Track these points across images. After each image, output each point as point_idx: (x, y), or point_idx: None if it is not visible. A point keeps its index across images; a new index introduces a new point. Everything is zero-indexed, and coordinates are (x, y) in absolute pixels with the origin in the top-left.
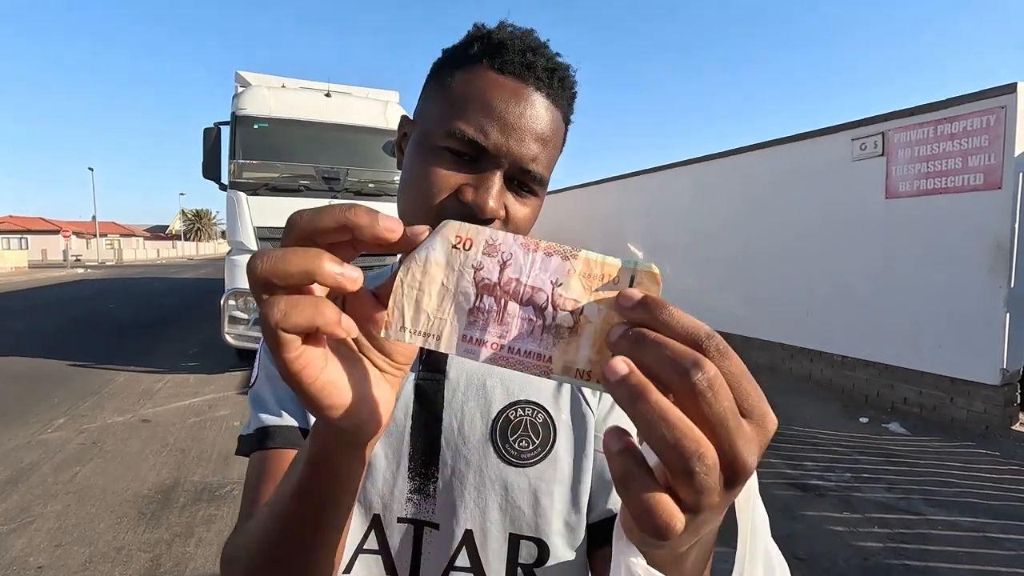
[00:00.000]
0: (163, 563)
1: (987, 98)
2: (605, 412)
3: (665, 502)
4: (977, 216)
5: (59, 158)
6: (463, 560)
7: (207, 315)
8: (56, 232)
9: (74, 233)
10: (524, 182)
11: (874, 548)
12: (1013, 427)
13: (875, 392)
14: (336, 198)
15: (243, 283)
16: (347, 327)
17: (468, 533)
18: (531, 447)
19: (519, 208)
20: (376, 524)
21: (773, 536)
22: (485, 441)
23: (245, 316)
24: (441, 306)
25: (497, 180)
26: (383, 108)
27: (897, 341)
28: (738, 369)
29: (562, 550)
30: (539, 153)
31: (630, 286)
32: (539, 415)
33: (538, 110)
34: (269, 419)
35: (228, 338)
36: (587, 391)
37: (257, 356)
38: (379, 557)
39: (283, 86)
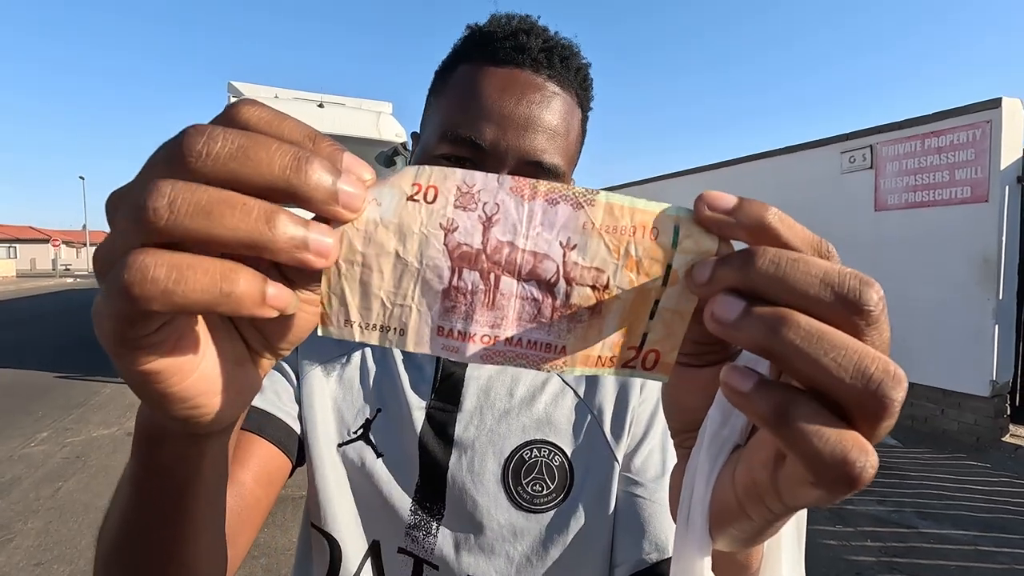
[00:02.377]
0: None
1: (973, 112)
2: (632, 447)
3: (857, 438)
4: (964, 229)
5: (49, 167)
6: None
7: None
8: (46, 241)
9: (64, 242)
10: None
11: (867, 563)
12: (1003, 439)
13: None
14: None
15: None
16: (279, 301)
17: None
18: (545, 492)
19: None
20: (375, 551)
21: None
22: (496, 483)
23: None
24: (400, 287)
25: None
26: (376, 119)
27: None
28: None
29: None
30: (547, 143)
31: (674, 245)
32: (556, 457)
33: (540, 94)
34: (273, 409)
35: None
36: (606, 424)
37: None
38: None
39: (276, 97)
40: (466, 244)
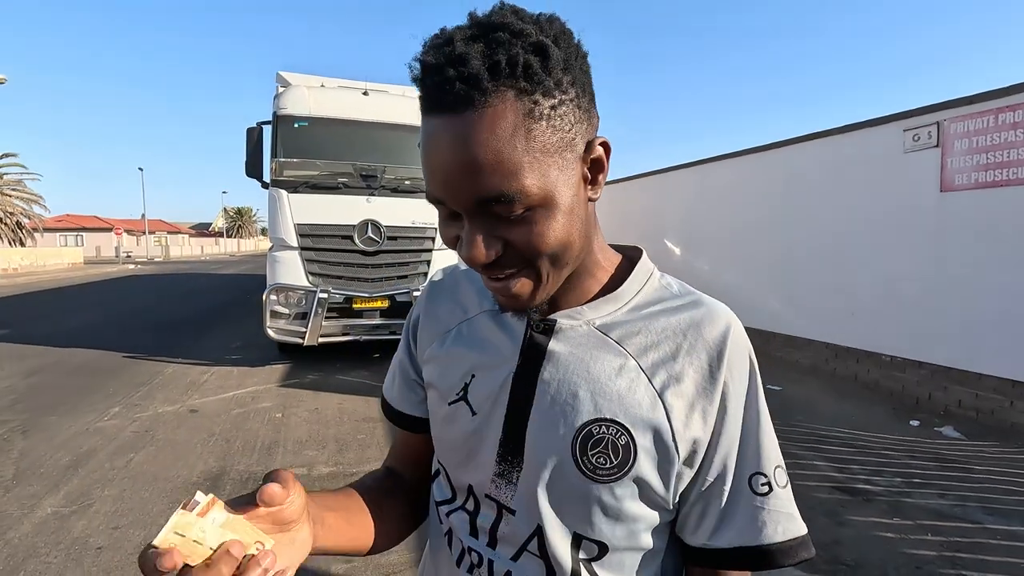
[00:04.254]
0: None
1: None
2: (687, 452)
3: None
4: None
5: (111, 159)
6: (534, 547)
7: (249, 310)
8: (109, 230)
9: (125, 231)
10: (499, 212)
11: (927, 556)
12: None
13: (927, 395)
14: (373, 195)
15: (284, 279)
16: None
17: (539, 528)
18: (608, 465)
19: (519, 233)
20: (472, 492)
21: (818, 540)
22: (565, 448)
23: (286, 311)
24: None
25: (471, 227)
26: (418, 106)
27: (951, 342)
28: None
29: (624, 553)
30: (483, 179)
31: None
32: (622, 436)
33: (451, 137)
34: (393, 402)
35: (270, 332)
36: (675, 418)
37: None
38: (469, 518)
39: (322, 85)
40: None
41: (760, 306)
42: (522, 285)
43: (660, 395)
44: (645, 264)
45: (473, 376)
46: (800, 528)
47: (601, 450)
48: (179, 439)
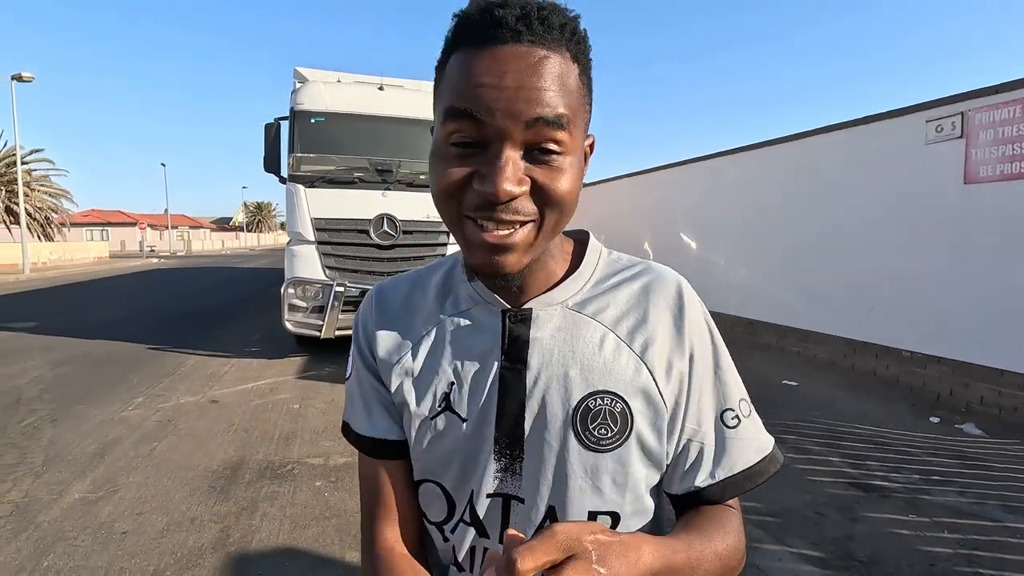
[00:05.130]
0: (232, 534)
1: None
2: (672, 405)
3: None
4: None
5: (135, 155)
6: None
7: (267, 303)
8: (133, 224)
9: (149, 225)
10: (540, 142)
11: (943, 554)
12: None
13: (947, 391)
14: (389, 189)
15: (302, 272)
16: None
17: (551, 508)
18: (610, 434)
19: (547, 175)
20: (471, 498)
21: (831, 536)
22: (566, 428)
23: (304, 304)
24: None
25: (507, 153)
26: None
27: (973, 337)
28: None
29: (631, 519)
30: (544, 98)
31: None
32: (617, 404)
33: (523, 62)
34: (374, 432)
35: (288, 325)
36: (659, 375)
37: (350, 354)
38: (473, 525)
39: (338, 81)
40: None
41: (777, 301)
42: (524, 236)
43: (641, 357)
44: (594, 243)
45: (452, 384)
46: (766, 446)
47: (601, 421)
48: (200, 429)
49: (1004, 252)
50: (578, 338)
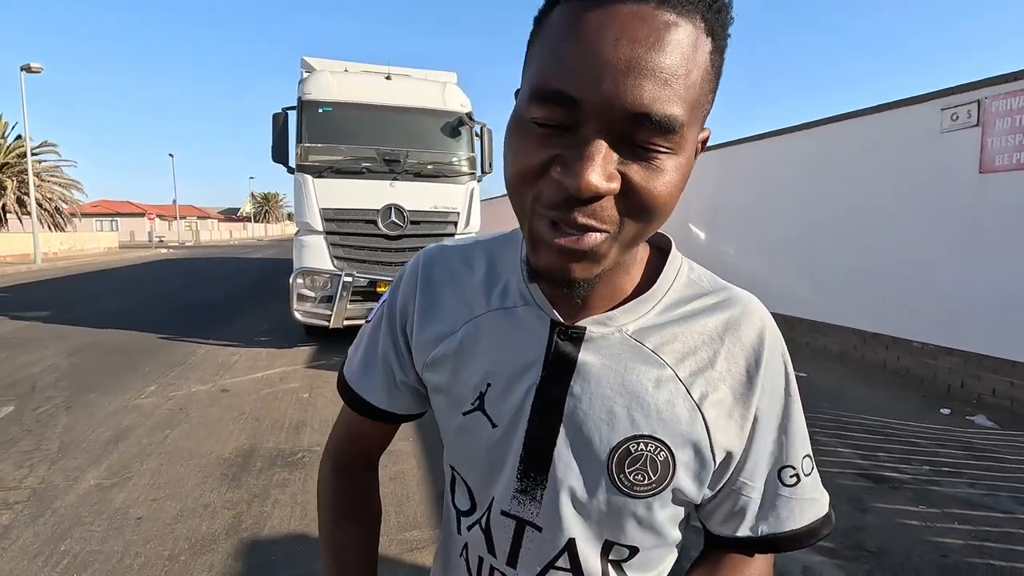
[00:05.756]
0: (244, 520)
1: None
2: (722, 458)
3: None
4: None
5: (143, 146)
6: (564, 562)
7: (276, 293)
8: (142, 215)
9: (157, 216)
10: (645, 139)
11: (954, 545)
12: None
13: (959, 382)
14: (397, 179)
15: (310, 262)
16: None
17: (571, 541)
18: (646, 481)
19: (644, 175)
20: (490, 507)
21: (840, 527)
22: (599, 467)
23: (312, 294)
24: None
25: (596, 142)
26: (441, 90)
27: (986, 328)
28: None
29: (652, 551)
30: (658, 89)
31: None
32: (661, 453)
33: (646, 28)
34: (366, 394)
35: (297, 315)
36: (716, 432)
37: (382, 300)
38: (484, 537)
39: (346, 70)
40: None
41: (786, 291)
42: (596, 244)
43: (699, 406)
44: (675, 255)
45: (489, 385)
46: (821, 509)
47: (639, 467)
48: (212, 417)
49: (1019, 242)
50: (632, 371)
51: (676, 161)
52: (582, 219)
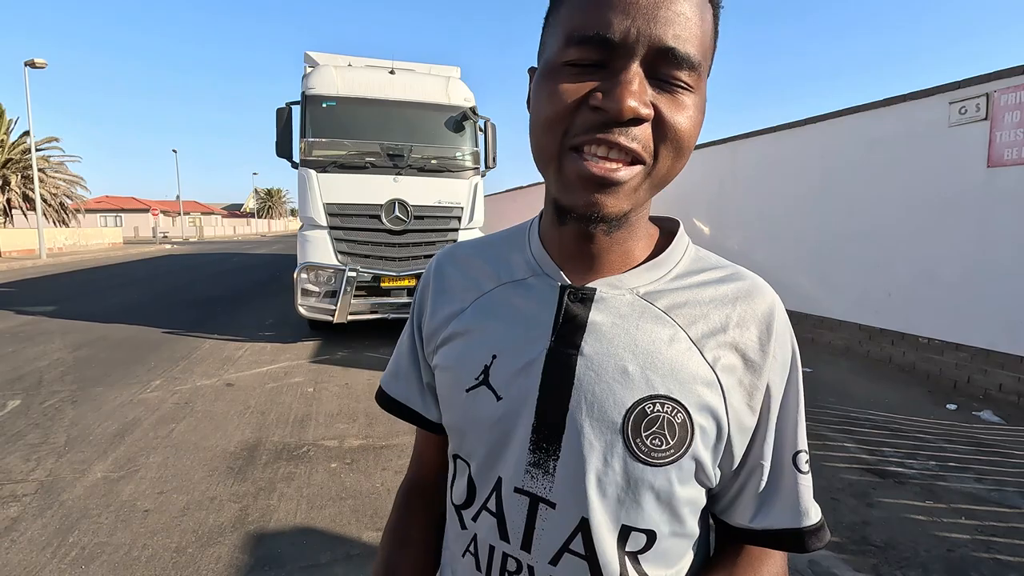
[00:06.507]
0: (250, 513)
1: None
2: (735, 431)
3: None
4: None
5: (147, 142)
6: (578, 545)
7: (280, 288)
8: (146, 211)
9: (161, 212)
10: (670, 72)
11: (960, 540)
12: None
13: (965, 378)
14: (400, 174)
15: (314, 257)
16: None
17: (584, 521)
18: (664, 447)
19: (672, 107)
20: (498, 488)
21: (846, 521)
22: (615, 431)
23: (316, 289)
24: None
25: (634, 70)
26: (445, 84)
27: (993, 324)
28: None
29: (669, 539)
30: (680, 29)
31: None
32: (678, 414)
33: None
34: (399, 396)
35: (301, 310)
36: (734, 394)
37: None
38: (496, 520)
39: (349, 65)
40: None
41: (791, 286)
42: (631, 175)
43: (713, 368)
44: (683, 235)
45: (495, 357)
46: (819, 511)
47: (656, 430)
48: (217, 411)
49: None
50: (644, 331)
51: (695, 99)
52: (623, 140)
